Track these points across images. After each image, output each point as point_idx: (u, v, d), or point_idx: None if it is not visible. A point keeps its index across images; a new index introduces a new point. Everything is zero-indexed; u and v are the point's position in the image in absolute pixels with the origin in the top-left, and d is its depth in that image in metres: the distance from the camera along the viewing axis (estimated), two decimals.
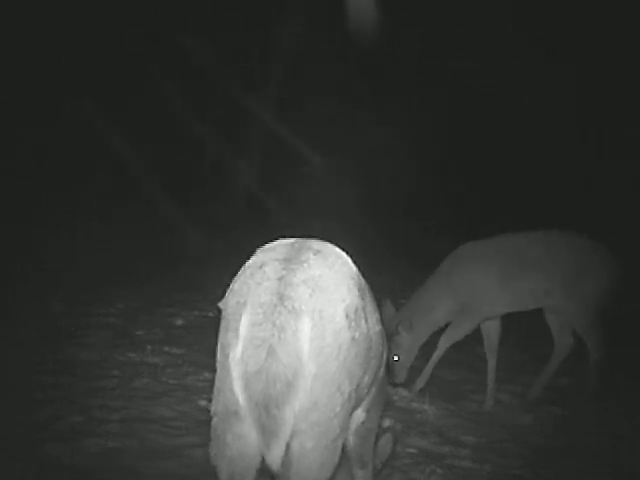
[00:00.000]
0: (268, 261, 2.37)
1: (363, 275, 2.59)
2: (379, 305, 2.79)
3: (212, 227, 10.05)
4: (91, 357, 5.23)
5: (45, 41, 10.24)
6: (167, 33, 11.39)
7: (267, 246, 2.53)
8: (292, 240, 2.54)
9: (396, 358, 5.14)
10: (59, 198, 9.27)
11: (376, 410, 2.85)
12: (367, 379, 2.52)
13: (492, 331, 5.25)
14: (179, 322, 6.35)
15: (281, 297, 2.25)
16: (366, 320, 2.41)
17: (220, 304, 2.42)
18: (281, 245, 2.49)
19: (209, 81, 11.88)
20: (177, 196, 10.71)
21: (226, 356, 2.28)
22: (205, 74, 11.82)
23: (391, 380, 5.05)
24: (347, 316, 2.31)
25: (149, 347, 5.46)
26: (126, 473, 3.61)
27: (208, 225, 10.10)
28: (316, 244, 2.49)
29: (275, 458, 2.26)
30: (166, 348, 5.50)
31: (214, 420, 2.36)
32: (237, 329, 2.26)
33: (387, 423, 4.45)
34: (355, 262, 2.57)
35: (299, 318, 2.23)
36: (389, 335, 5.05)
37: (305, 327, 2.23)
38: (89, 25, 10.62)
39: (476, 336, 5.25)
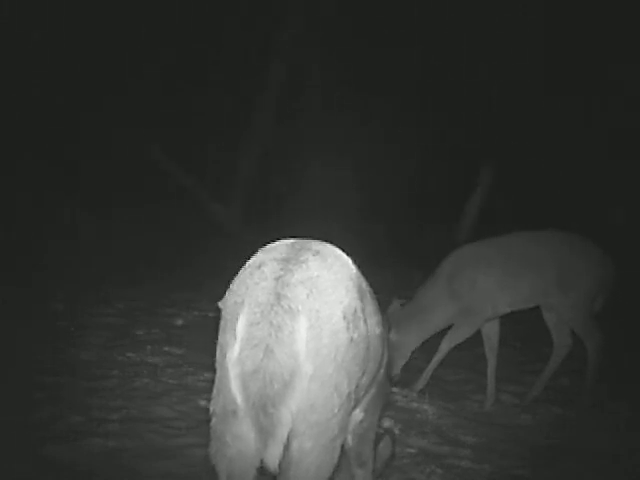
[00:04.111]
0: (267, 261, 2.37)
1: (365, 276, 2.59)
2: (383, 304, 2.79)
3: (212, 227, 10.06)
4: (91, 357, 5.23)
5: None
6: (165, 32, 11.40)
7: (268, 246, 2.53)
8: (292, 240, 2.54)
9: None
10: (59, 198, 9.27)
11: (374, 410, 2.85)
12: (365, 380, 2.52)
13: (492, 332, 5.25)
14: (179, 322, 6.35)
15: (278, 297, 2.25)
16: (365, 322, 2.40)
17: (219, 303, 2.43)
18: (281, 245, 2.49)
19: (208, 81, 11.89)
20: (177, 196, 10.72)
21: (224, 356, 2.29)
22: (204, 74, 11.83)
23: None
24: (345, 317, 2.30)
25: (149, 347, 5.46)
26: (126, 473, 3.61)
27: (208, 225, 10.11)
28: (316, 245, 2.49)
29: (272, 458, 2.26)
30: (166, 348, 5.50)
31: (213, 420, 2.37)
32: (234, 329, 2.26)
33: (387, 423, 4.47)
34: (356, 263, 2.57)
35: (296, 318, 2.23)
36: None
37: (302, 327, 2.23)
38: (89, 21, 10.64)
39: (476, 336, 5.25)
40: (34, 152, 9.93)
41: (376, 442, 3.05)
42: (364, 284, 2.54)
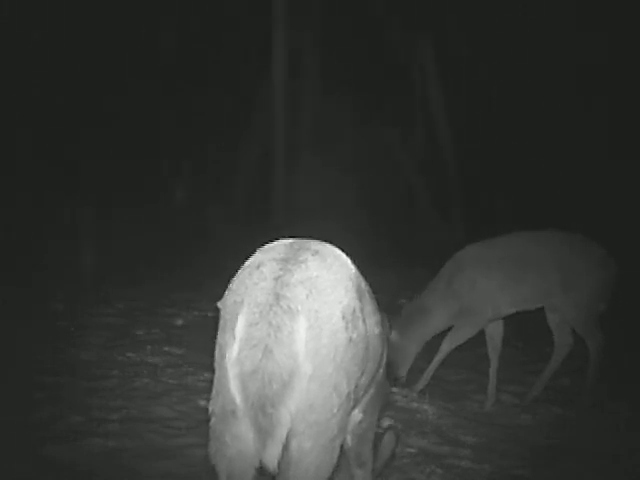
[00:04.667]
0: (266, 261, 2.37)
1: (364, 276, 2.58)
2: (383, 304, 2.79)
3: (212, 227, 10.05)
4: (91, 357, 5.23)
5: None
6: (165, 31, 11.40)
7: (267, 246, 2.53)
8: (291, 240, 2.53)
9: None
10: (59, 198, 9.27)
11: (373, 411, 2.85)
12: (364, 380, 2.52)
13: (495, 333, 5.25)
14: (179, 322, 6.35)
15: (277, 297, 2.25)
16: (364, 321, 2.40)
17: (219, 303, 2.42)
18: (280, 245, 2.49)
19: (208, 81, 11.89)
20: (177, 196, 10.72)
21: (223, 356, 2.28)
22: (204, 74, 11.83)
23: (394, 375, 5.10)
24: (344, 317, 2.30)
25: (149, 347, 5.46)
26: (126, 473, 3.61)
27: (208, 225, 10.10)
28: (315, 245, 2.48)
29: (271, 458, 2.26)
30: (166, 348, 5.50)
31: (212, 420, 2.36)
32: (233, 329, 2.26)
33: (387, 423, 4.46)
34: (355, 263, 2.57)
35: (295, 318, 2.23)
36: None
37: (301, 328, 2.23)
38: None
39: (477, 337, 5.24)
40: (34, 152, 9.93)
41: (378, 439, 3.05)
42: (363, 284, 2.54)
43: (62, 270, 7.17)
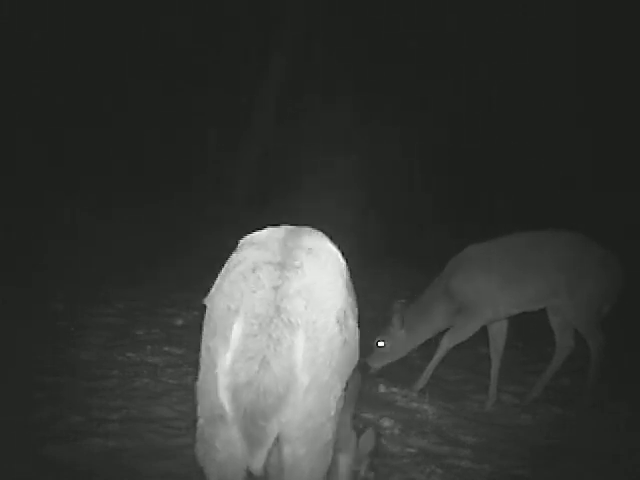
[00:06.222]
0: (261, 264, 2.28)
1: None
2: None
3: (212, 227, 10.05)
4: (91, 357, 5.22)
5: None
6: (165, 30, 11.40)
7: (255, 238, 2.44)
8: (282, 233, 2.44)
9: (381, 344, 5.17)
10: (59, 198, 9.27)
11: (349, 404, 2.76)
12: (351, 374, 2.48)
13: (498, 333, 5.25)
14: (179, 322, 6.34)
15: (278, 309, 2.19)
16: (353, 319, 2.38)
17: (206, 301, 2.36)
18: (271, 240, 2.39)
19: (208, 80, 11.89)
20: (177, 196, 10.72)
21: (213, 362, 2.23)
22: (204, 74, 11.84)
23: (368, 364, 5.11)
24: (338, 322, 2.27)
25: (149, 347, 5.45)
26: (126, 473, 3.60)
27: (209, 225, 10.10)
28: (307, 239, 2.41)
29: (257, 466, 2.23)
30: (166, 348, 5.49)
31: (200, 421, 2.32)
32: (227, 337, 2.20)
33: (387, 423, 4.46)
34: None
35: (295, 332, 2.18)
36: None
37: (300, 340, 2.19)
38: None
39: (477, 337, 5.24)
40: (34, 152, 9.93)
41: (358, 435, 3.01)
42: (348, 277, 2.47)
43: (62, 270, 7.15)
